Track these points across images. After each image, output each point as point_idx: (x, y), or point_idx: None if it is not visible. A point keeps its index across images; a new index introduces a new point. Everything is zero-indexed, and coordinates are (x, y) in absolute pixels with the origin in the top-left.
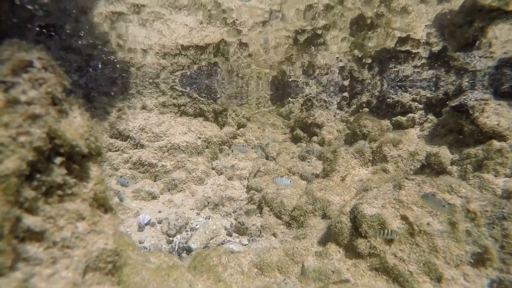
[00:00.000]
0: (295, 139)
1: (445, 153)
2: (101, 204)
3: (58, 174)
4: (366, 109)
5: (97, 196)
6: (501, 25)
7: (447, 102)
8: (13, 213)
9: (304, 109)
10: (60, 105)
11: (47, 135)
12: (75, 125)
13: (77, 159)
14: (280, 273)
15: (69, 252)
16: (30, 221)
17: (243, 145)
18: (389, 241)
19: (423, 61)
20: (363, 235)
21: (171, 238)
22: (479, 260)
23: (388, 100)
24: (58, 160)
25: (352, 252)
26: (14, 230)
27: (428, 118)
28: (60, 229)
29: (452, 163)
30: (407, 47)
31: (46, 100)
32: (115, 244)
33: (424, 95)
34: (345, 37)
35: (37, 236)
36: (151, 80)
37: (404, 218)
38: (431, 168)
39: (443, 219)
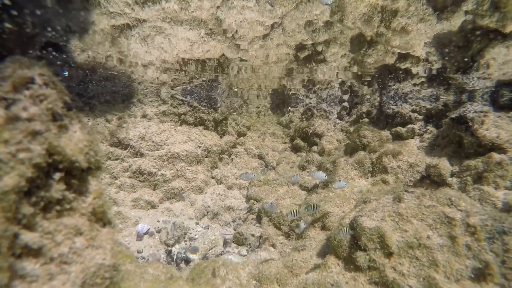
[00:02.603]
0: (295, 149)
1: (444, 165)
2: (100, 218)
3: (57, 189)
4: (366, 120)
5: (95, 211)
6: (499, 47)
7: (446, 114)
8: (11, 230)
9: (304, 119)
10: (60, 121)
11: (47, 151)
12: (75, 139)
13: (77, 174)
14: (279, 285)
15: (66, 268)
16: (27, 237)
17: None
18: (389, 254)
19: (422, 79)
20: (362, 248)
21: (169, 248)
22: (480, 275)
23: (388, 110)
24: (57, 175)
25: (351, 264)
26: (12, 247)
27: (428, 129)
28: (58, 244)
29: (452, 175)
30: (406, 65)
31: (47, 116)
32: (113, 259)
33: (424, 106)
34: (345, 54)
35: (34, 252)
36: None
37: (403, 231)
38: (430, 179)
39: (443, 233)
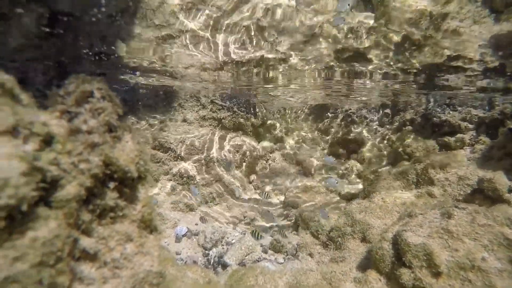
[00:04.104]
0: (334, 156)
1: (501, 179)
2: (147, 226)
3: (111, 197)
4: (410, 127)
5: (144, 218)
6: None
7: (503, 123)
8: (72, 235)
9: (343, 125)
10: (115, 132)
11: (104, 162)
12: (127, 149)
13: (128, 183)
14: None
15: (118, 273)
16: (86, 242)
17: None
18: (437, 274)
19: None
20: (407, 264)
21: (207, 251)
22: None
23: (435, 119)
24: (112, 184)
25: (394, 281)
26: (72, 252)
27: (480, 139)
28: (111, 250)
29: (510, 191)
30: (458, 63)
31: (103, 128)
32: (160, 266)
33: (475, 115)
34: (388, 55)
35: (91, 256)
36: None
37: (453, 250)
38: (484, 195)
39: (501, 256)
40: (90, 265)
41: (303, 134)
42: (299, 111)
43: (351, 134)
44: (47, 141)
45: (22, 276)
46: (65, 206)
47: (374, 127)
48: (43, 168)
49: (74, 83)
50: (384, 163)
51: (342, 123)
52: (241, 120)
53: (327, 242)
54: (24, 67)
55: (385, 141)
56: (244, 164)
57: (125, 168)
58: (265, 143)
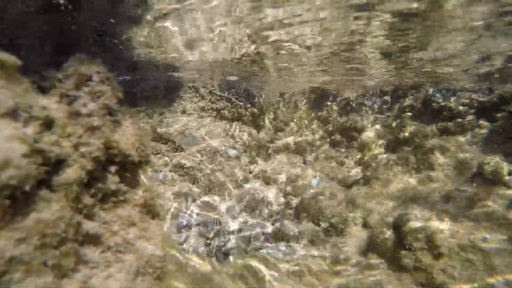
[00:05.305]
0: (334, 144)
1: (500, 163)
2: (150, 211)
3: (113, 182)
4: (409, 114)
5: (146, 203)
6: None
7: (502, 107)
8: (75, 219)
9: (343, 113)
10: (115, 116)
11: (104, 145)
12: (127, 134)
13: (129, 167)
14: (319, 281)
15: (122, 257)
16: (88, 226)
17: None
18: (438, 255)
19: None
20: (407, 247)
21: (208, 241)
22: None
23: (434, 104)
24: (113, 168)
25: (395, 264)
26: (76, 235)
27: (481, 124)
28: (114, 234)
29: (510, 174)
30: None
31: (103, 111)
32: (163, 250)
33: (475, 99)
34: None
35: (94, 240)
36: (191, 85)
37: (454, 231)
38: (484, 178)
39: (501, 236)
40: (94, 249)
41: (302, 122)
42: (298, 101)
43: (350, 122)
44: (47, 124)
45: (27, 257)
46: (67, 189)
47: (374, 114)
48: (44, 151)
49: (72, 66)
50: (383, 149)
51: (342, 111)
52: (240, 110)
53: (328, 229)
54: (21, 46)
55: (385, 128)
56: (244, 154)
57: (126, 152)
58: (265, 133)
